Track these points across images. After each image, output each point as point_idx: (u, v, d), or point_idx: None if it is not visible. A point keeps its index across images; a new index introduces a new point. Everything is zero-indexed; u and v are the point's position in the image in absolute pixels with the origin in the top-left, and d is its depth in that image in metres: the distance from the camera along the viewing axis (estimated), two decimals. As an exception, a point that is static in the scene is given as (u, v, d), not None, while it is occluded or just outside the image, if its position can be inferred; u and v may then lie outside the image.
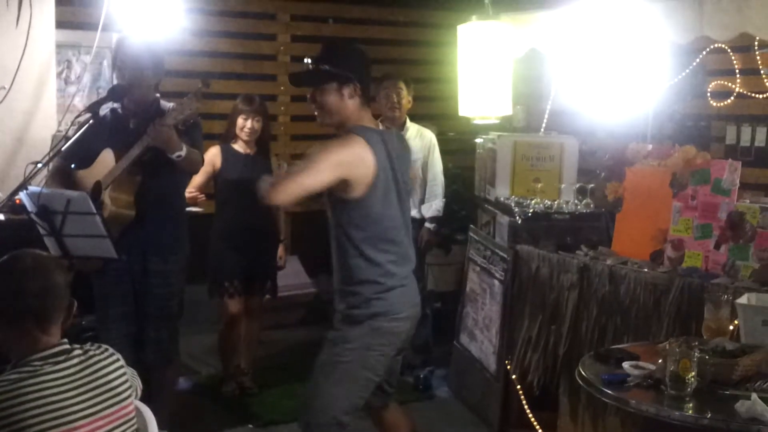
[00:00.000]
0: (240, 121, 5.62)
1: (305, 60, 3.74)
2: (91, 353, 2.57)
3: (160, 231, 4.49)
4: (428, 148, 6.03)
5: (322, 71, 3.65)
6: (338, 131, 3.73)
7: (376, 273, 3.64)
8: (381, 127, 3.83)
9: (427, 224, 6.09)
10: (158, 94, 4.57)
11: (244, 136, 5.62)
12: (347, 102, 3.64)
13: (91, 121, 4.13)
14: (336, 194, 3.60)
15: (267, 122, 5.78)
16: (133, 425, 2.63)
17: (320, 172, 3.52)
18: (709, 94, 5.92)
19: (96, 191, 4.32)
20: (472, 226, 6.04)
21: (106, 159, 4.42)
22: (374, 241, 3.64)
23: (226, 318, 5.72)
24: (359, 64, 3.72)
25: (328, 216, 3.74)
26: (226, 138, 5.70)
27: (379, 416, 4.02)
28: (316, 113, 3.73)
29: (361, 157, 3.55)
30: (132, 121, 4.47)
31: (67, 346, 2.55)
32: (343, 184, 3.54)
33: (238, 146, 5.65)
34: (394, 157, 3.68)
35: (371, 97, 3.75)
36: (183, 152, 4.27)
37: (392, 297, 3.67)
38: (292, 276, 7.12)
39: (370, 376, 3.70)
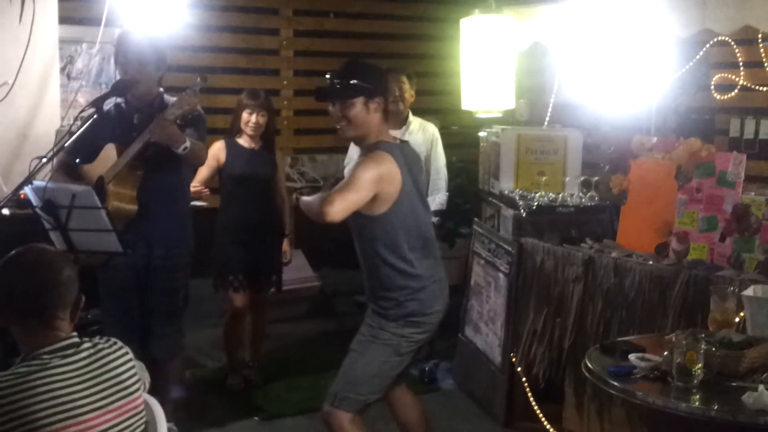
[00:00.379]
0: (245, 115, 5.62)
1: (327, 76, 3.88)
2: (100, 347, 2.57)
3: (163, 225, 4.49)
4: (431, 142, 6.02)
5: (350, 85, 3.79)
6: (359, 144, 3.92)
7: (406, 279, 3.84)
8: (397, 141, 3.99)
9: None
10: (162, 89, 4.57)
11: (249, 130, 5.62)
12: (372, 116, 3.81)
13: (95, 116, 4.13)
14: (360, 210, 3.74)
15: (272, 117, 5.78)
16: (142, 418, 2.63)
17: (365, 190, 3.68)
18: (713, 87, 5.92)
19: (99, 186, 4.33)
20: (476, 219, 6.04)
21: (110, 154, 4.42)
22: (400, 251, 3.82)
23: (231, 312, 5.73)
24: (382, 80, 3.92)
25: (351, 227, 3.89)
26: (230, 132, 5.69)
27: (390, 393, 4.14)
28: (338, 126, 3.85)
29: (392, 173, 3.74)
30: (136, 116, 4.47)
31: (77, 340, 2.55)
32: (371, 201, 3.72)
33: (243, 141, 5.65)
34: (412, 167, 3.89)
35: (388, 112, 3.93)
36: (188, 145, 4.28)
37: (423, 296, 3.87)
38: (296, 270, 7.13)
39: (400, 360, 3.91)
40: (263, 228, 5.66)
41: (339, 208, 3.63)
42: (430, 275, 3.90)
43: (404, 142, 4.04)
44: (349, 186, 3.70)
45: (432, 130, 6.08)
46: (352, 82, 3.79)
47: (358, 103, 3.77)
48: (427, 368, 5.99)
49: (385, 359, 3.88)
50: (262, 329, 6.01)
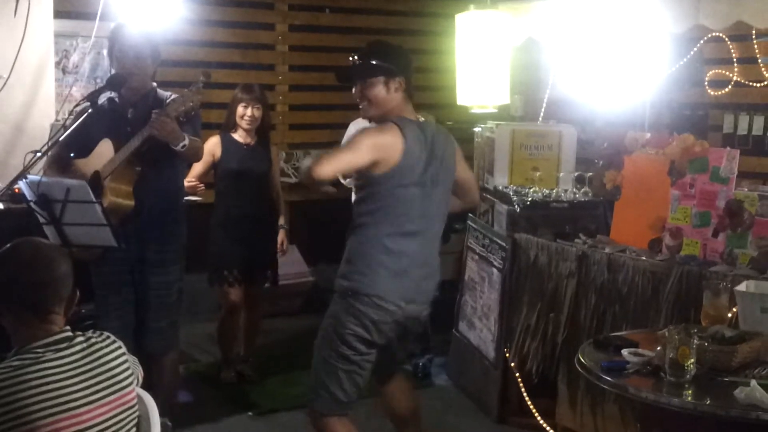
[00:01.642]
0: (240, 109, 5.61)
1: (350, 57, 3.89)
2: (93, 341, 2.58)
3: (158, 220, 4.49)
4: None
5: (371, 65, 3.78)
6: (380, 124, 3.84)
7: (382, 253, 3.70)
8: (421, 119, 3.93)
9: None
10: (155, 84, 4.56)
11: (244, 124, 5.61)
12: (393, 95, 3.78)
13: (89, 111, 4.13)
14: (363, 175, 3.73)
15: (267, 111, 5.78)
16: (134, 412, 2.64)
17: (360, 151, 3.65)
18: (706, 83, 5.93)
19: (95, 181, 4.32)
20: (470, 214, 6.04)
21: (105, 149, 4.42)
22: (382, 218, 3.72)
23: (226, 306, 5.73)
24: (405, 60, 3.88)
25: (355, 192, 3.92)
26: (225, 127, 5.69)
27: (384, 386, 4.11)
28: (360, 106, 3.84)
29: (393, 142, 3.67)
30: (130, 111, 4.47)
31: (70, 334, 2.55)
32: (372, 165, 3.67)
33: (238, 136, 5.65)
34: (435, 148, 3.79)
35: (411, 92, 3.88)
36: (186, 142, 4.28)
37: (385, 281, 3.70)
38: (290, 265, 7.13)
39: (346, 352, 3.74)
40: (258, 223, 5.67)
41: (327, 167, 3.60)
42: (409, 266, 3.75)
43: (431, 124, 3.97)
44: (343, 147, 3.74)
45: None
46: (372, 61, 3.79)
47: (378, 82, 3.76)
48: (420, 364, 6.00)
49: (331, 351, 3.76)
50: (257, 324, 6.01)
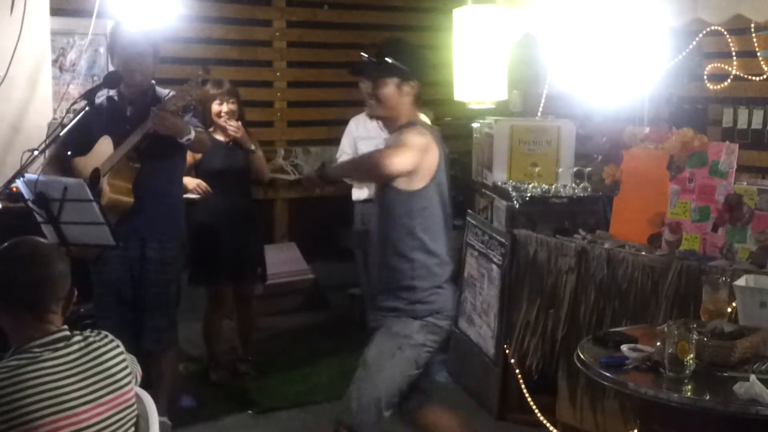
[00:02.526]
0: (215, 107, 5.49)
1: (364, 52, 3.75)
2: (91, 340, 2.57)
3: (157, 218, 4.49)
4: None
5: (386, 64, 3.66)
6: (387, 126, 3.76)
7: (434, 263, 3.65)
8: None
9: None
10: (153, 81, 4.56)
11: (221, 121, 5.51)
12: (404, 98, 3.67)
13: (87, 108, 4.12)
14: (395, 185, 3.59)
15: (241, 105, 5.67)
16: (133, 411, 2.63)
17: (415, 150, 3.54)
18: (705, 77, 5.91)
19: (94, 178, 4.32)
20: (469, 210, 6.04)
21: (104, 146, 4.42)
22: (432, 232, 3.64)
23: (208, 305, 5.74)
24: (421, 63, 3.76)
25: (378, 205, 3.75)
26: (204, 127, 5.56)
27: (415, 418, 3.92)
28: (367, 104, 3.72)
29: (431, 147, 3.60)
30: (129, 108, 4.47)
31: (67, 333, 2.55)
32: (409, 173, 3.56)
33: (218, 135, 5.53)
34: (444, 157, 3.72)
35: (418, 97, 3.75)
36: (192, 135, 4.28)
37: (445, 293, 3.70)
38: (290, 262, 7.13)
39: (415, 373, 3.67)
40: (242, 221, 5.61)
41: (397, 160, 3.50)
42: (446, 275, 3.72)
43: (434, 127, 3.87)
44: (401, 146, 3.54)
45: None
46: (387, 60, 3.66)
47: (391, 83, 3.64)
48: None
49: (403, 373, 3.61)
50: (250, 323, 5.98)
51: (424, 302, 3.63)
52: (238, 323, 5.91)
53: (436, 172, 3.62)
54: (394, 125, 3.71)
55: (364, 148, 5.86)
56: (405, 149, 3.54)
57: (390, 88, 3.64)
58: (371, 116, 3.77)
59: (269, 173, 6.11)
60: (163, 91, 4.51)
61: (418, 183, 3.59)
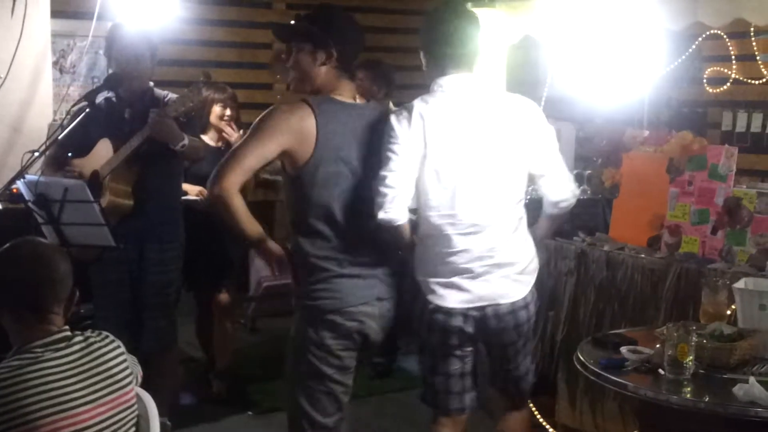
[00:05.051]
0: (218, 109, 5.43)
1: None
2: (91, 340, 2.58)
3: (157, 220, 4.50)
4: None
5: (300, 27, 3.38)
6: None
7: (321, 259, 3.33)
8: (360, 101, 3.42)
9: None
10: (152, 83, 4.57)
11: (223, 125, 5.46)
12: (319, 69, 3.31)
13: (87, 110, 4.13)
14: (285, 170, 3.36)
15: (238, 110, 5.61)
16: (134, 412, 2.64)
17: (261, 143, 3.23)
18: (705, 81, 5.94)
19: (94, 180, 4.33)
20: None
21: (103, 148, 4.42)
22: (314, 221, 3.32)
23: (197, 311, 5.73)
24: (343, 31, 3.37)
25: None
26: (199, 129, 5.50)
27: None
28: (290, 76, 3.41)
29: (300, 127, 3.22)
30: (127, 111, 4.48)
31: (68, 333, 2.55)
32: (286, 157, 3.29)
33: (209, 138, 5.46)
34: (360, 134, 3.32)
35: (353, 72, 3.46)
36: (186, 142, 4.28)
37: (340, 286, 3.33)
38: (285, 264, 7.11)
39: (333, 373, 3.41)
40: (222, 228, 5.54)
41: (229, 174, 3.18)
42: (353, 262, 3.32)
43: (371, 104, 3.47)
44: (243, 143, 3.25)
45: None
46: (302, 24, 3.37)
47: (305, 49, 3.30)
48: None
49: (304, 371, 3.38)
50: (227, 336, 5.70)
51: (306, 298, 3.36)
52: (215, 336, 5.69)
53: (313, 155, 3.24)
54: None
55: None
56: (244, 149, 3.23)
57: (304, 54, 3.32)
58: (295, 91, 3.47)
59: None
60: (161, 93, 4.52)
61: (294, 167, 3.29)
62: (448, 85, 3.45)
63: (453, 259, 3.41)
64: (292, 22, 3.47)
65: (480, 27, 3.56)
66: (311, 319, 3.36)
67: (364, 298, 3.36)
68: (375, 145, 3.33)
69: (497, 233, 3.43)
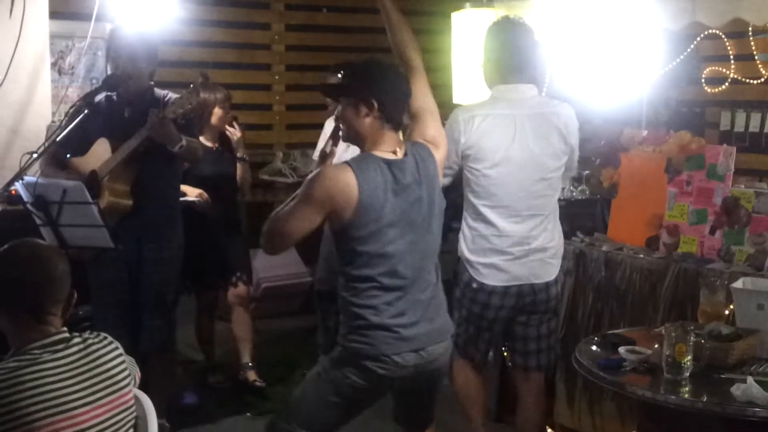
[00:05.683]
0: (220, 111, 5.47)
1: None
2: (90, 342, 2.58)
3: (155, 220, 4.50)
4: None
5: (340, 84, 3.55)
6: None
7: (358, 308, 3.35)
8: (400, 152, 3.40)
9: None
10: (152, 83, 4.57)
11: (224, 126, 5.52)
12: (363, 120, 3.35)
13: (85, 111, 4.13)
14: (331, 223, 3.38)
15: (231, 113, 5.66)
16: (132, 413, 2.64)
17: (307, 214, 3.30)
18: (703, 80, 5.94)
19: (92, 181, 4.33)
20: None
21: (101, 148, 4.42)
22: (357, 274, 3.35)
23: (197, 309, 5.74)
24: (383, 83, 3.40)
25: None
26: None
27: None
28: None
29: (344, 191, 3.25)
30: (127, 110, 4.48)
31: (67, 335, 2.55)
32: (331, 216, 3.31)
33: (205, 139, 5.43)
34: (402, 188, 3.33)
35: (397, 120, 3.42)
36: (183, 143, 4.29)
37: (375, 337, 3.32)
38: (288, 265, 7.12)
39: (343, 403, 3.45)
40: (226, 227, 5.56)
41: (273, 251, 3.42)
42: (396, 317, 3.31)
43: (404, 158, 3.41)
44: (289, 212, 3.33)
45: None
46: (345, 79, 3.54)
47: (348, 103, 3.38)
48: None
49: (325, 397, 3.43)
50: (248, 328, 5.74)
51: (343, 340, 3.39)
52: (235, 331, 5.75)
53: (356, 214, 3.26)
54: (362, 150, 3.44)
55: (337, 151, 5.87)
56: (288, 219, 3.32)
57: (347, 109, 3.39)
58: (344, 141, 3.58)
59: (249, 188, 6.03)
60: (161, 93, 4.53)
61: (340, 223, 3.30)
62: (503, 93, 4.09)
63: (496, 243, 4.05)
64: (339, 75, 3.60)
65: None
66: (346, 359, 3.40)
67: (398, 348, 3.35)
68: (411, 197, 3.36)
69: (535, 222, 4.06)
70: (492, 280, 4.06)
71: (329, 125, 6.18)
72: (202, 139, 5.40)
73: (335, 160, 3.78)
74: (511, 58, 4.08)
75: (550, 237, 4.13)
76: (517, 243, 4.03)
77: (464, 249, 4.15)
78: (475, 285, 4.09)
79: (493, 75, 4.14)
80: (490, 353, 4.42)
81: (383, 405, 4.18)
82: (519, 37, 4.12)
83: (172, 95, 4.47)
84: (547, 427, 4.92)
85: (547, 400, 4.92)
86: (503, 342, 4.41)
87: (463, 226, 4.17)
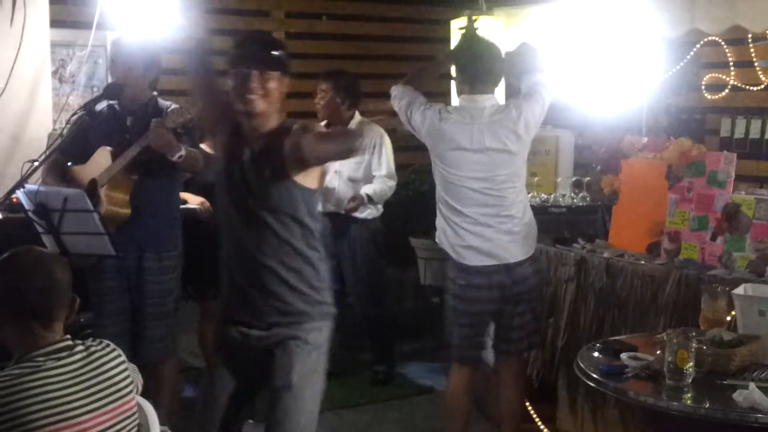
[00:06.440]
0: None
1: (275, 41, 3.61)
2: (93, 349, 2.58)
3: (155, 228, 4.50)
4: (373, 146, 5.87)
5: (278, 57, 3.39)
6: (260, 125, 3.38)
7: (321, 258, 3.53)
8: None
9: (363, 191, 5.85)
10: (155, 92, 4.57)
11: None
12: (281, 95, 3.38)
13: (86, 119, 4.14)
14: (298, 180, 3.38)
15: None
16: (135, 420, 2.64)
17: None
18: (703, 87, 5.94)
19: (91, 189, 4.33)
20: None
21: (102, 156, 4.43)
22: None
23: (199, 317, 5.72)
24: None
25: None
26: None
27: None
28: (252, 96, 3.31)
29: None
30: (129, 119, 4.48)
31: (70, 342, 2.55)
32: (308, 169, 3.38)
33: (209, 148, 5.48)
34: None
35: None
36: (183, 153, 4.29)
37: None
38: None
39: None
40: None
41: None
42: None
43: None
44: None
45: (375, 132, 5.93)
46: (279, 52, 3.38)
47: (277, 76, 3.32)
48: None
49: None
50: (210, 341, 5.45)
51: (328, 302, 3.44)
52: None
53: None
54: (267, 124, 3.37)
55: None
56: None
57: (277, 81, 3.34)
58: (250, 110, 3.33)
59: None
60: (165, 104, 4.53)
61: (313, 182, 3.36)
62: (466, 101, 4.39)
63: (469, 227, 4.30)
64: (267, 47, 3.47)
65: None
66: None
67: None
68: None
69: (501, 209, 4.30)
70: (471, 260, 4.29)
71: None
72: (206, 147, 5.40)
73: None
74: (474, 70, 4.36)
75: (518, 222, 4.33)
76: (488, 225, 4.28)
77: (443, 238, 4.41)
78: (461, 279, 4.33)
79: (458, 86, 4.47)
80: (480, 352, 4.55)
81: (384, 411, 4.19)
82: (481, 51, 4.45)
83: (174, 106, 4.48)
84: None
85: (549, 407, 4.93)
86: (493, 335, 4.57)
87: (439, 218, 4.42)
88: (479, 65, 4.35)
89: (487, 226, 4.28)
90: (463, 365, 4.48)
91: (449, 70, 4.60)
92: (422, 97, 4.45)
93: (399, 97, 4.49)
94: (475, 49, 4.47)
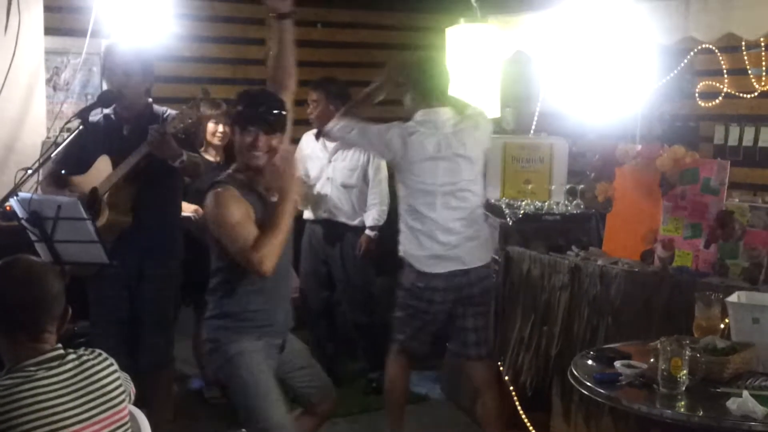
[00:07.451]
0: (211, 126, 5.48)
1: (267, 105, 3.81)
2: (84, 358, 2.57)
3: (155, 236, 4.49)
4: (367, 156, 5.90)
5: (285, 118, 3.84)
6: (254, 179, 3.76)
7: None
8: None
9: (367, 231, 5.95)
10: (150, 99, 4.58)
11: (216, 141, 5.49)
12: None
13: (80, 128, 4.13)
14: None
15: (232, 127, 5.63)
16: (127, 430, 2.63)
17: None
18: (697, 95, 5.96)
19: (93, 197, 4.33)
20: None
21: (102, 165, 4.42)
22: None
23: (195, 324, 5.71)
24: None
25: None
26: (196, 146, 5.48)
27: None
28: (258, 153, 3.67)
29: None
30: (126, 128, 4.49)
31: (62, 352, 2.55)
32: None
33: (209, 155, 5.49)
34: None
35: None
36: (184, 158, 4.29)
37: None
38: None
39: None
40: None
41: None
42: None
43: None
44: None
45: None
46: (283, 113, 3.80)
47: (280, 135, 3.74)
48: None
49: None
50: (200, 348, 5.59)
51: None
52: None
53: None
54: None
55: (311, 167, 6.03)
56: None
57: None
58: (255, 165, 3.70)
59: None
60: (160, 110, 4.53)
61: None
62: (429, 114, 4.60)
63: (433, 236, 4.54)
64: (279, 111, 3.90)
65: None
66: None
67: None
68: None
69: (463, 213, 4.57)
70: (435, 268, 4.53)
71: (306, 139, 6.21)
72: (205, 154, 5.40)
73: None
74: (429, 85, 4.62)
75: (479, 228, 4.67)
76: (455, 231, 4.54)
77: (409, 248, 4.60)
78: (420, 283, 4.56)
79: (413, 104, 4.64)
80: (425, 347, 4.83)
81: (376, 420, 4.19)
82: (430, 66, 4.71)
83: (171, 111, 4.48)
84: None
85: (543, 415, 4.93)
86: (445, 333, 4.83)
87: (404, 231, 4.62)
88: (432, 80, 4.61)
89: (455, 231, 4.53)
90: (401, 353, 4.76)
91: (389, 93, 4.79)
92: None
93: (348, 128, 4.73)
94: (423, 66, 4.69)
